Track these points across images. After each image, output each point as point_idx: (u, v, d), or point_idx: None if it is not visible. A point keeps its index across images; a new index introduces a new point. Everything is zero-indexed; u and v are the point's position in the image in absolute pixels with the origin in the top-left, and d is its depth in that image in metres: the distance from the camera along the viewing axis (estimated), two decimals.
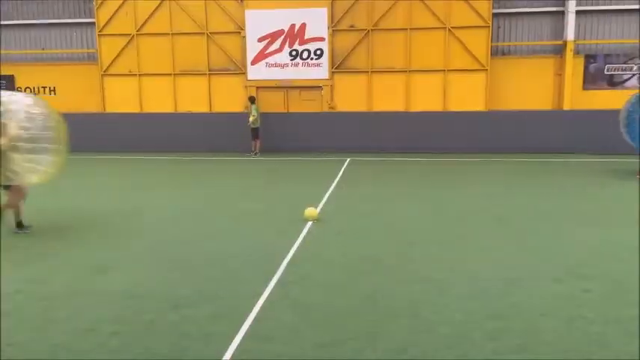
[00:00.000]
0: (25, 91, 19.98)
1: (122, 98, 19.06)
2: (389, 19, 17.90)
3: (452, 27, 17.64)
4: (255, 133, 17.30)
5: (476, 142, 17.33)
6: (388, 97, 18.20)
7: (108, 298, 5.13)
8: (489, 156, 16.33)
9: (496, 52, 18.18)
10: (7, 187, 7.48)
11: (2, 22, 19.69)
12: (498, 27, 18.11)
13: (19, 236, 7.50)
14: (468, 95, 17.79)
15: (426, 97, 18.01)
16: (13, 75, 20.00)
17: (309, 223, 7.99)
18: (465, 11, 17.52)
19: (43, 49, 19.84)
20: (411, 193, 10.72)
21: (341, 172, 13.19)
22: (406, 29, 17.84)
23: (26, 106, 7.40)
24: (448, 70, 17.89)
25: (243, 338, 4.26)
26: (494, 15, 17.79)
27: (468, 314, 4.67)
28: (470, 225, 7.96)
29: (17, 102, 7.42)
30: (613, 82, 18.00)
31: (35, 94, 19.84)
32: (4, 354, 4.07)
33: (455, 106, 17.90)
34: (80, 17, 19.49)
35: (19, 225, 7.66)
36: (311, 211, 8.25)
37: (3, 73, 19.93)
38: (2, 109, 7.13)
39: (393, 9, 17.81)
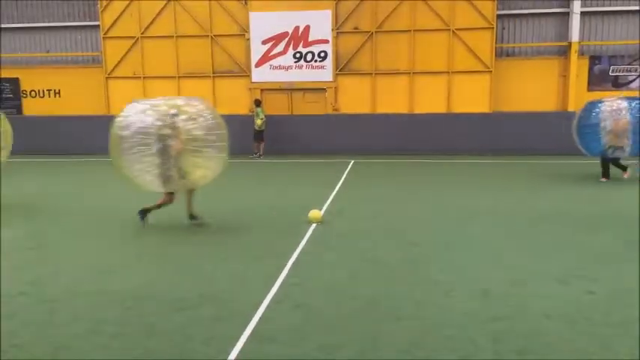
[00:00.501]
0: (30, 94, 20.08)
1: (127, 101, 18.97)
2: (393, 20, 17.90)
3: (456, 29, 17.63)
4: (260, 135, 17.33)
5: (480, 143, 17.30)
6: (392, 99, 18.19)
7: (110, 300, 5.13)
8: (493, 157, 16.30)
9: (500, 54, 18.16)
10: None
11: (7, 26, 19.77)
12: (503, 28, 18.09)
13: (23, 239, 7.53)
14: (472, 97, 17.77)
15: (430, 98, 17.99)
16: (18, 78, 20.10)
17: (314, 225, 7.98)
18: (469, 13, 17.51)
19: (47, 51, 19.93)
20: (415, 194, 10.70)
21: (345, 174, 13.18)
22: (410, 31, 17.84)
23: (198, 110, 7.71)
24: (452, 72, 17.87)
25: (247, 340, 4.25)
26: (499, 16, 17.78)
27: (471, 316, 4.65)
28: (474, 226, 7.94)
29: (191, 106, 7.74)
30: (618, 84, 17.94)
31: (41, 97, 19.95)
32: (7, 355, 4.07)
33: (459, 108, 17.87)
34: (85, 20, 19.58)
35: (192, 216, 8.12)
36: (315, 213, 8.24)
37: (8, 76, 20.02)
38: (175, 112, 7.44)
39: (397, 11, 17.81)
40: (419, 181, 12.48)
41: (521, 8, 17.97)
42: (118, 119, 7.75)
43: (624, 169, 12.13)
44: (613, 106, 11.79)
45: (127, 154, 7.45)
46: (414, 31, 17.81)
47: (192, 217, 8.14)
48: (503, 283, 5.49)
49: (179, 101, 7.93)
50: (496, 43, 17.77)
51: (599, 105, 12.01)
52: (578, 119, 12.49)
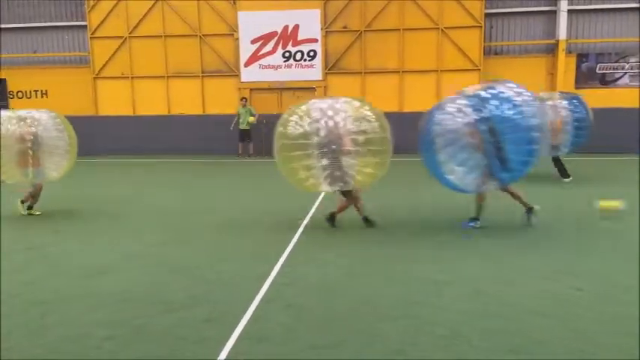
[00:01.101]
0: (17, 95, 19.90)
1: (115, 101, 19.00)
2: (382, 19, 17.93)
3: (444, 27, 17.69)
4: (247, 134, 17.33)
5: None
6: (381, 97, 18.16)
7: (101, 302, 5.09)
8: None
9: (489, 52, 18.24)
10: (344, 194, 7.83)
11: None
12: (491, 27, 18.18)
13: (12, 241, 7.45)
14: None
15: (419, 97, 18.02)
16: (4, 78, 19.90)
17: (304, 224, 7.97)
18: (458, 11, 17.57)
19: (35, 52, 19.75)
20: (407, 193, 10.72)
21: None
22: (399, 30, 17.87)
23: (356, 109, 7.63)
24: (441, 71, 17.93)
25: (238, 340, 4.23)
26: (487, 15, 17.86)
27: (464, 315, 4.66)
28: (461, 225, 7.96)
29: (344, 109, 7.59)
30: (605, 81, 18.09)
31: (28, 97, 19.77)
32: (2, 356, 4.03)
33: None
34: (72, 20, 19.42)
35: (367, 220, 7.94)
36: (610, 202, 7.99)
37: None
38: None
39: (386, 10, 17.84)
40: (409, 180, 12.48)
41: (509, 7, 18.06)
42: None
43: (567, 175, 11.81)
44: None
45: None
46: (403, 30, 17.85)
47: (366, 220, 7.95)
48: (494, 281, 5.51)
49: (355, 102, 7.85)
50: (484, 41, 17.86)
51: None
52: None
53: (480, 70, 17.76)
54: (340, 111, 7.47)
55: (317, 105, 7.59)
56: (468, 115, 7.22)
